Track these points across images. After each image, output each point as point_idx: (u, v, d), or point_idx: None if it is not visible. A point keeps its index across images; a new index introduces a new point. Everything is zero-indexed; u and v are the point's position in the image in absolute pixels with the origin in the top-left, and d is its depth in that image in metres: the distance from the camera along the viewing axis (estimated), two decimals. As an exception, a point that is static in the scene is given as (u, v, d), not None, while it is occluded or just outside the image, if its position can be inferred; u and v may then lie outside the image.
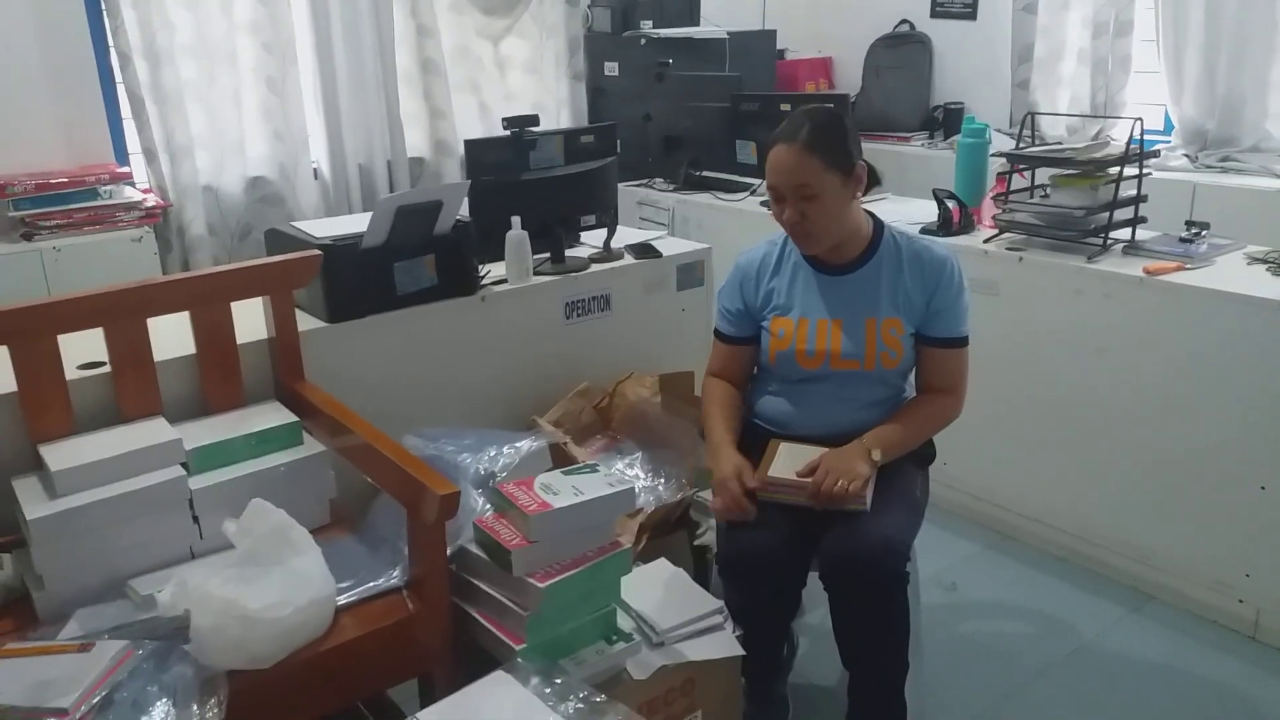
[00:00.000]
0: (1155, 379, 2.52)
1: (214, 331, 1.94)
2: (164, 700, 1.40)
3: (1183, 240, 2.69)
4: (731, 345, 2.09)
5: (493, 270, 2.43)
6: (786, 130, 1.89)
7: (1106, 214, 2.64)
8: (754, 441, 2.01)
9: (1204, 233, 2.71)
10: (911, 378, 2.06)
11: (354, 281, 2.15)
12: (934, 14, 4.87)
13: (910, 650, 1.90)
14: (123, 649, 1.45)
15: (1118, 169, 2.61)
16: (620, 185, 3.74)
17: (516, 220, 2.40)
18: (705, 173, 3.80)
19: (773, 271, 2.04)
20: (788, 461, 1.91)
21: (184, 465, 1.78)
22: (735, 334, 2.08)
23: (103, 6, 3.34)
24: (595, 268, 2.59)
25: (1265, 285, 2.38)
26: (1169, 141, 4.02)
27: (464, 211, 2.34)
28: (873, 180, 2.01)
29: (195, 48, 3.56)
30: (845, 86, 5.16)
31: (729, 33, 4.41)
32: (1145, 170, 2.67)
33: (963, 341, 1.99)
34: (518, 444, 1.97)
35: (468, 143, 2.58)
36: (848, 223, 1.95)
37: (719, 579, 1.96)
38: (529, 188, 2.54)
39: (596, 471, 1.79)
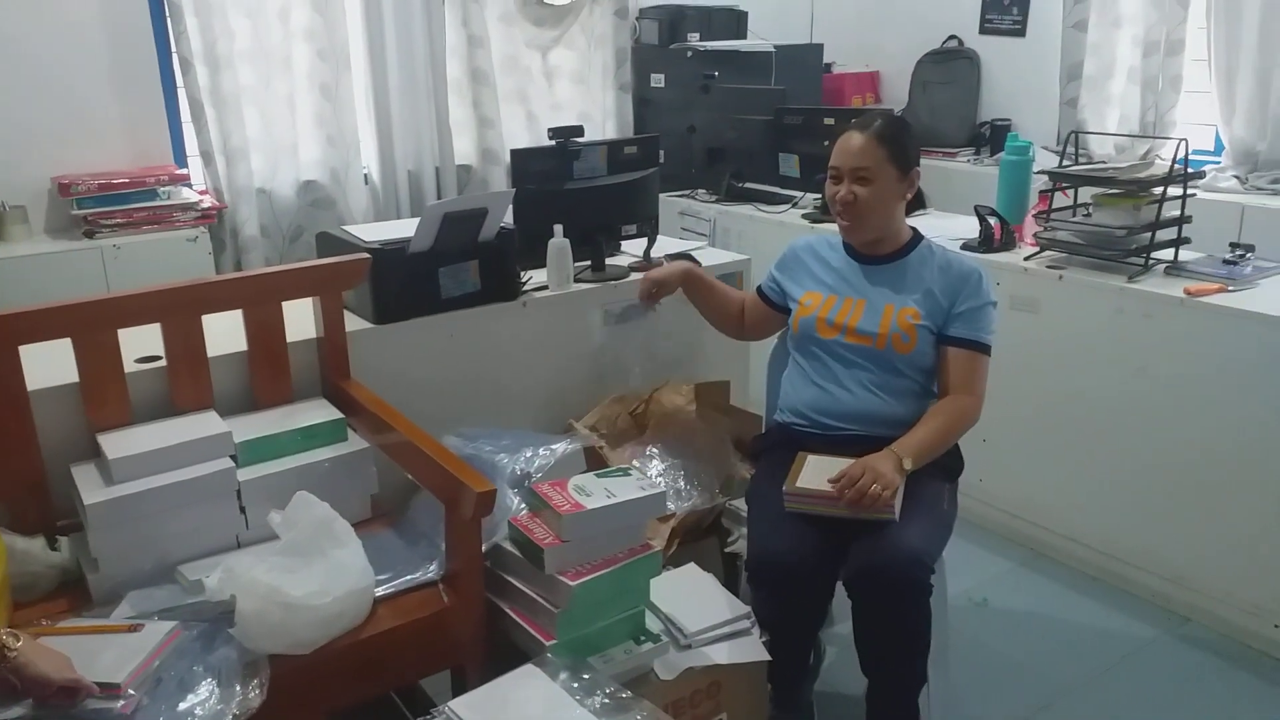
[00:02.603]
0: (1194, 400, 2.50)
1: (265, 330, 2.01)
2: (209, 680, 1.47)
3: (1226, 262, 2.67)
4: (762, 303, 2.30)
5: (534, 277, 2.48)
6: (861, 121, 2.06)
7: (1149, 234, 2.63)
8: (783, 444, 2.05)
9: (1249, 255, 2.69)
10: (932, 386, 2.09)
11: (400, 285, 2.21)
12: (983, 30, 4.85)
13: (937, 664, 1.91)
14: (170, 630, 1.52)
15: (1161, 189, 2.60)
16: (663, 195, 3.78)
17: (559, 228, 2.45)
18: (748, 184, 3.84)
19: (819, 253, 2.21)
20: (815, 473, 1.94)
21: (233, 457, 1.84)
22: (769, 294, 2.28)
23: (166, 13, 3.46)
24: (635, 276, 2.63)
25: (1308, 309, 2.36)
26: (1219, 162, 3.98)
27: (508, 219, 2.39)
28: (917, 203, 2.08)
29: (253, 54, 3.67)
30: (892, 101, 5.16)
31: (776, 46, 4.44)
32: (1190, 191, 2.66)
33: (984, 348, 2.05)
34: (553, 446, 2.01)
35: (513, 152, 2.64)
36: (892, 220, 2.09)
37: (747, 586, 1.99)
38: (572, 197, 2.59)
39: (629, 475, 1.83)
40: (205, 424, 1.88)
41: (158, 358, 1.95)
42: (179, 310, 1.91)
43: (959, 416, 2.02)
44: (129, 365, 1.91)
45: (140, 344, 1.95)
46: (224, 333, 2.02)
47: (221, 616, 1.56)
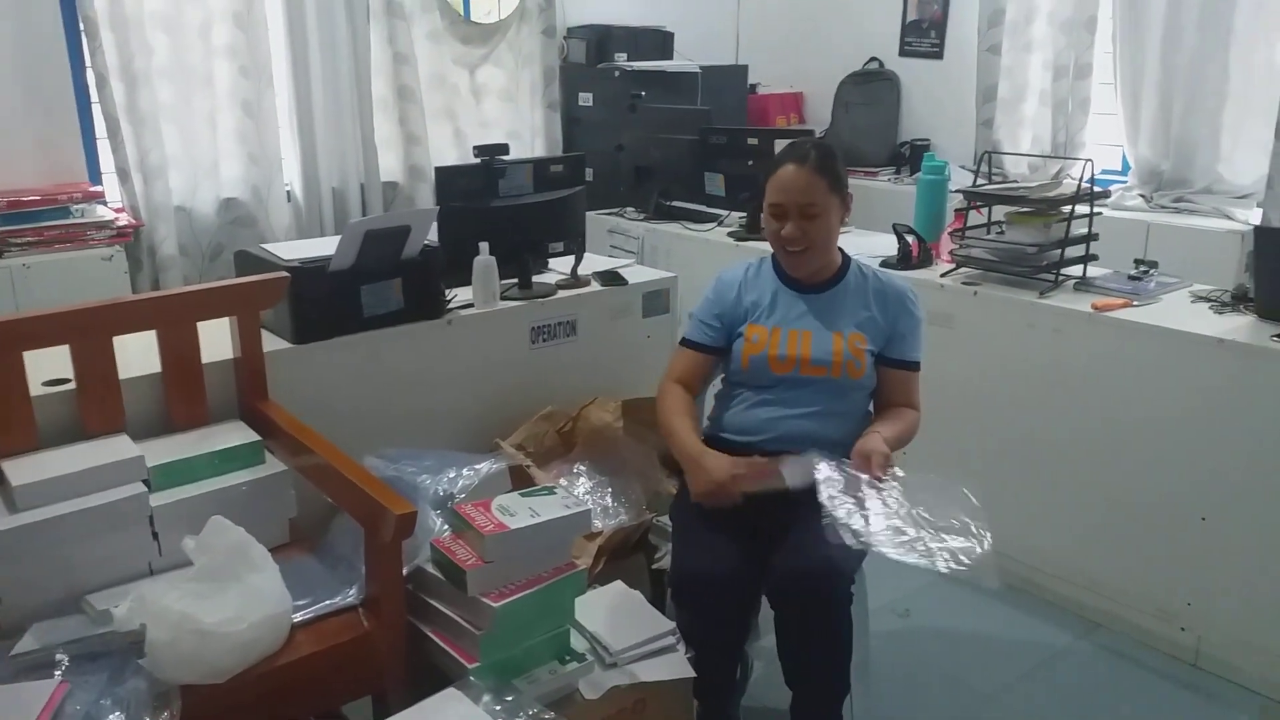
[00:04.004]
0: (1102, 412, 2.59)
1: (179, 350, 1.97)
2: (117, 713, 1.43)
3: (1132, 278, 2.78)
4: (701, 354, 2.18)
5: (460, 295, 2.47)
6: (794, 153, 2.04)
7: (1058, 251, 2.72)
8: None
9: (1152, 271, 2.80)
10: (869, 405, 2.14)
11: (320, 303, 2.18)
12: (902, 52, 4.99)
13: (860, 675, 1.95)
14: (55, 685, 1.46)
15: (1070, 208, 2.70)
16: (592, 213, 3.81)
17: (484, 246, 2.45)
18: (675, 203, 3.87)
19: (752, 285, 2.17)
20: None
21: (145, 482, 1.80)
22: (708, 343, 2.17)
23: (81, 28, 3.38)
24: (562, 294, 2.63)
25: (1207, 323, 2.47)
26: (1125, 182, 4.14)
27: (433, 236, 2.38)
28: None
29: (172, 70, 3.60)
30: (815, 122, 5.26)
31: (702, 66, 4.51)
32: (1097, 210, 2.76)
33: (918, 365, 2.13)
34: (477, 466, 2.00)
35: (438, 169, 2.64)
36: (832, 247, 2.12)
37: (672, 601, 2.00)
38: (498, 214, 2.59)
39: (554, 494, 1.83)
40: (116, 448, 1.83)
41: (66, 380, 1.90)
42: (88, 331, 1.86)
43: (911, 424, 2.11)
44: (36, 388, 1.85)
45: (48, 366, 1.90)
46: (137, 354, 1.97)
47: (131, 646, 1.52)
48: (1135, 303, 2.61)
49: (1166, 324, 2.47)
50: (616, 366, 2.68)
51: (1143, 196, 4.00)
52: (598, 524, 2.18)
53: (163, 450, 1.87)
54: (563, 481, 2.28)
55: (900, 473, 1.91)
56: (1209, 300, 2.62)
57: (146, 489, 1.79)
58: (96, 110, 3.48)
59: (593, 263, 2.86)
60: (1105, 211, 3.60)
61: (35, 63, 3.33)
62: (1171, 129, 3.97)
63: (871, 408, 2.16)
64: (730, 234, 3.57)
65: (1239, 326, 2.43)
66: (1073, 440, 2.66)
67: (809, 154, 2.04)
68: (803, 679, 1.92)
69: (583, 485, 2.33)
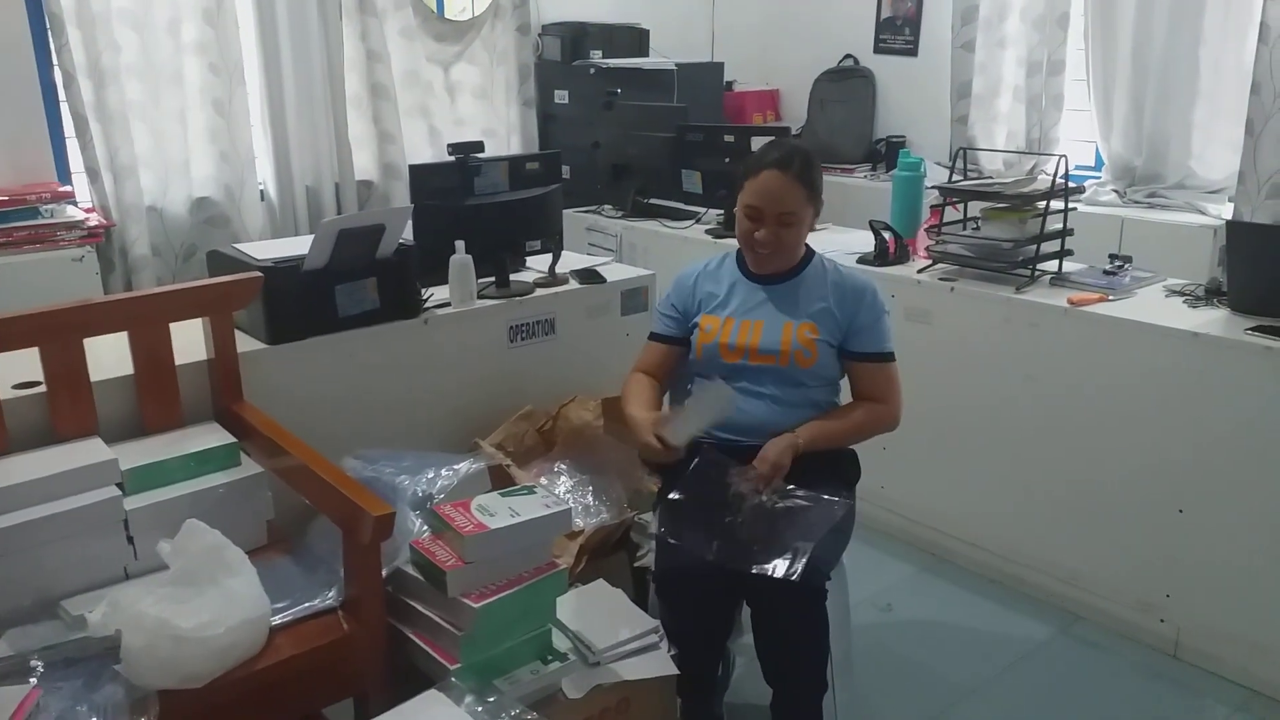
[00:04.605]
0: (1079, 406, 2.61)
1: (152, 352, 1.94)
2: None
3: (1106, 273, 2.80)
4: (665, 345, 2.21)
5: (437, 294, 2.45)
6: (776, 158, 2.03)
7: (1034, 246, 2.73)
8: (686, 457, 2.05)
9: (1127, 265, 2.82)
10: (837, 398, 2.15)
11: (295, 303, 2.16)
12: (877, 49, 5.00)
13: (841, 670, 1.95)
14: (26, 692, 1.43)
15: (1044, 203, 2.71)
16: (570, 211, 3.79)
17: (460, 245, 2.43)
18: (653, 200, 3.86)
19: (711, 279, 2.20)
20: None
21: (119, 485, 1.77)
22: (671, 333, 2.20)
23: (47, 25, 3.32)
24: (540, 292, 2.62)
25: (1181, 316, 2.49)
26: (1099, 177, 4.17)
27: (409, 235, 2.36)
28: None
29: (141, 68, 3.55)
30: (791, 118, 5.27)
31: (677, 64, 4.50)
32: (1072, 205, 2.78)
33: (889, 356, 2.12)
34: (456, 466, 1.98)
35: (412, 168, 2.62)
36: (800, 250, 2.13)
37: (655, 598, 1.99)
38: (473, 213, 2.57)
39: (534, 493, 1.82)
40: (89, 451, 1.80)
41: (37, 383, 1.86)
42: (58, 333, 1.82)
43: (873, 418, 2.09)
44: (5, 392, 1.82)
45: (18, 369, 1.86)
46: (110, 356, 1.94)
47: (106, 652, 1.49)
48: (1110, 297, 2.63)
49: (1141, 318, 2.49)
50: (596, 364, 2.67)
51: (1116, 192, 4.03)
52: (579, 523, 2.17)
53: (137, 453, 1.84)
54: (543, 481, 2.27)
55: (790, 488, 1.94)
56: (1183, 294, 2.64)
57: (121, 492, 1.76)
58: (65, 109, 3.43)
59: (571, 261, 2.84)
60: (1080, 207, 3.61)
61: (0, 61, 3.27)
62: (1144, 125, 4.00)
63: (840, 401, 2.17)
64: (708, 231, 3.56)
65: (1213, 320, 2.46)
66: (1050, 435, 2.68)
67: (792, 161, 2.03)
68: (781, 676, 1.93)
69: (563, 484, 2.31)
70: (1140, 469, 2.52)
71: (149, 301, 1.98)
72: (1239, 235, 2.56)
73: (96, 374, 1.90)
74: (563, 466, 2.38)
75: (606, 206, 3.98)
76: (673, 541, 1.94)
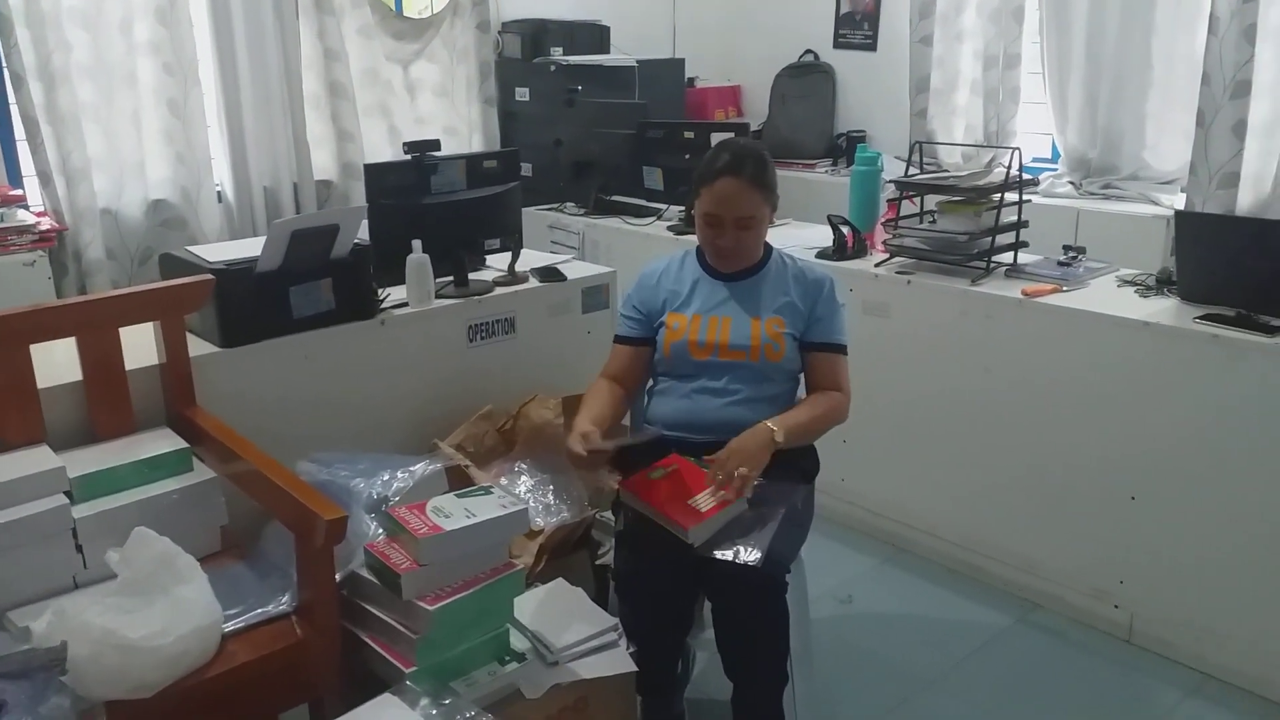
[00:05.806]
0: (1034, 395, 2.64)
1: (101, 358, 1.92)
2: (39, 733, 1.38)
3: (1061, 264, 2.83)
4: (631, 347, 2.19)
5: (394, 294, 2.44)
6: (729, 162, 2.03)
7: (989, 239, 2.76)
8: (650, 452, 2.04)
9: (1080, 257, 2.86)
10: (800, 391, 2.16)
11: (248, 306, 2.14)
12: (836, 44, 5.03)
13: (802, 663, 1.96)
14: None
15: (999, 196, 2.74)
16: (532, 209, 3.78)
17: (417, 244, 2.42)
18: (615, 197, 3.86)
19: (674, 278, 2.20)
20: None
21: (68, 494, 1.75)
22: (636, 335, 2.18)
23: (-6, 25, 3.27)
24: (499, 291, 2.61)
25: (1133, 306, 2.52)
26: (1056, 169, 4.22)
27: (365, 235, 2.34)
28: None
29: (93, 68, 3.50)
30: (753, 114, 5.28)
31: (638, 60, 4.50)
32: (1027, 197, 2.80)
33: (842, 349, 2.14)
34: (412, 468, 1.98)
35: (367, 167, 2.60)
36: (761, 248, 2.15)
37: (615, 597, 1.99)
38: (431, 211, 2.56)
39: (490, 494, 1.81)
40: (35, 459, 1.77)
41: (-18, 391, 1.83)
42: (3, 340, 1.79)
43: (833, 407, 2.10)
44: (-52, 400, 1.79)
45: (-39, 377, 1.83)
46: (58, 362, 1.92)
47: (52, 664, 1.47)
48: (1064, 288, 2.66)
49: (1094, 308, 2.52)
50: (556, 363, 2.67)
51: (1072, 184, 4.07)
52: (539, 522, 2.17)
53: (86, 460, 1.82)
54: (503, 480, 2.27)
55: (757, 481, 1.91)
56: (1135, 284, 2.68)
57: (69, 501, 1.74)
58: (13, 111, 3.37)
59: (531, 259, 2.84)
60: (1035, 199, 3.68)
61: (-54, 63, 3.22)
62: (1098, 117, 4.05)
63: (804, 394, 2.17)
64: (670, 228, 3.57)
65: (1164, 309, 2.49)
66: (1006, 424, 2.71)
67: (745, 165, 2.03)
68: (741, 670, 1.93)
69: (524, 484, 2.31)
70: (1093, 457, 2.55)
71: (98, 306, 1.95)
72: (1188, 225, 2.60)
73: (46, 380, 1.87)
74: (523, 466, 2.38)
75: (569, 204, 3.98)
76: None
